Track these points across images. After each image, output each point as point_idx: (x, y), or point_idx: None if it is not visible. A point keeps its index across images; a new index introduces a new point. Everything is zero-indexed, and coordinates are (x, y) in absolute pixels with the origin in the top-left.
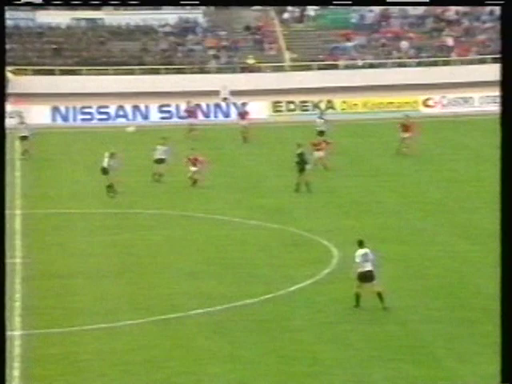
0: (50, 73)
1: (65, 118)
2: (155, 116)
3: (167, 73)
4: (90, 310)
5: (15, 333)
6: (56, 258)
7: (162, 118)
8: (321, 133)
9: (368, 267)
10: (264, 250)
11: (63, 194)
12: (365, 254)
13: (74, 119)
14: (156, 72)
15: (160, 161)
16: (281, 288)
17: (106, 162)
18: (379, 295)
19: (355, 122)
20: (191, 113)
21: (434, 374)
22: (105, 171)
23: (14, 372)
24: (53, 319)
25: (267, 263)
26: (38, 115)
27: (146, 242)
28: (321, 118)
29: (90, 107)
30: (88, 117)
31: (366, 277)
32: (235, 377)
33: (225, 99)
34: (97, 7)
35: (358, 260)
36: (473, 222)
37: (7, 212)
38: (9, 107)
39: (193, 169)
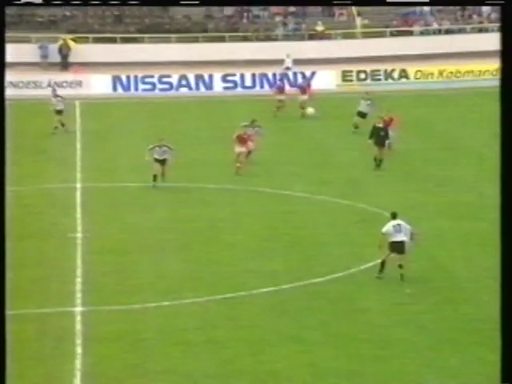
0: (111, 41)
1: (126, 88)
2: (219, 86)
3: (232, 40)
4: (150, 287)
5: (76, 309)
6: (116, 233)
7: (226, 89)
8: (363, 115)
9: (400, 237)
10: (333, 227)
11: (123, 166)
12: (397, 225)
13: (136, 89)
14: (220, 39)
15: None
16: (350, 267)
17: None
18: (400, 266)
19: (430, 92)
20: (280, 88)
21: None
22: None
23: (77, 349)
24: (113, 296)
25: (336, 241)
26: (99, 84)
27: (209, 217)
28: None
29: (151, 76)
30: (149, 86)
31: (397, 247)
32: (302, 358)
33: (287, 68)
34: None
35: (389, 230)
36: None
37: (67, 185)
38: (70, 76)
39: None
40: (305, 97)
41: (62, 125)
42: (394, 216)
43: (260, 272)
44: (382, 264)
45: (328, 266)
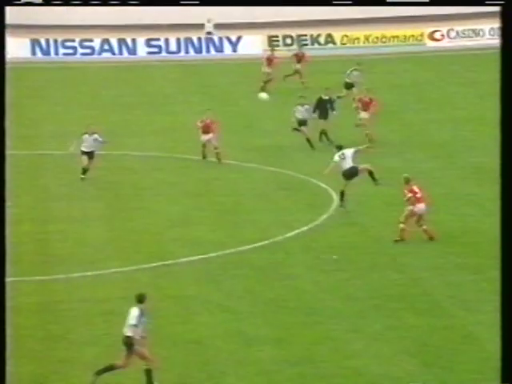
0: (30, 2)
1: (45, 52)
2: (143, 51)
3: (152, 4)
4: (73, 257)
5: None
6: (37, 201)
7: (150, 53)
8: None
9: (349, 164)
10: (260, 195)
11: (45, 133)
12: (341, 154)
13: (56, 53)
14: (145, 2)
15: None
16: (277, 234)
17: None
18: (370, 172)
19: (356, 58)
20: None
21: (437, 322)
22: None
23: None
24: (34, 266)
25: (263, 208)
26: (17, 48)
27: (133, 185)
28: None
29: (72, 40)
30: (70, 51)
31: (350, 174)
32: (229, 327)
33: (209, 33)
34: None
35: (336, 159)
36: (480, 164)
37: None
38: None
39: None
40: (269, 69)
41: None
42: (339, 148)
43: (186, 240)
44: (342, 194)
45: (255, 234)
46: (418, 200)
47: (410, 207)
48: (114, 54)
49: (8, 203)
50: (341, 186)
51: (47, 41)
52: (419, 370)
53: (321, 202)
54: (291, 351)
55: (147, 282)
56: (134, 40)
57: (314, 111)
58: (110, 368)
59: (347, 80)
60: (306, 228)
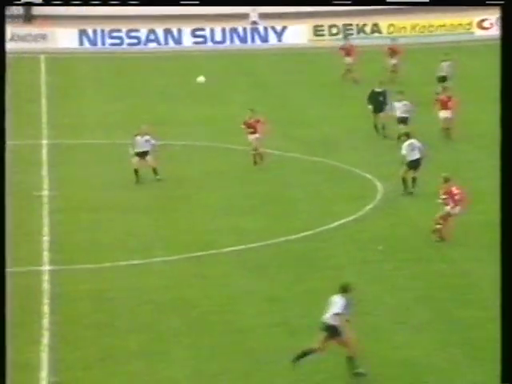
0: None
1: (92, 42)
2: (188, 41)
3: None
4: (120, 246)
5: (43, 268)
6: (83, 190)
7: (196, 43)
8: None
9: (416, 155)
10: (304, 185)
11: (91, 123)
12: (410, 144)
13: (103, 43)
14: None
15: None
16: (321, 224)
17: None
18: (414, 179)
19: (403, 47)
20: (348, 51)
21: (483, 314)
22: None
23: (45, 308)
24: (81, 255)
25: (307, 198)
26: (65, 38)
27: (179, 175)
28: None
29: (119, 31)
30: (117, 41)
31: (416, 164)
32: (274, 316)
33: (254, 23)
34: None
35: (404, 151)
36: None
37: (33, 142)
38: (34, 29)
39: None
40: (350, 59)
41: None
42: (407, 135)
43: (230, 230)
44: (404, 180)
45: (299, 224)
46: (455, 202)
47: (447, 208)
48: (159, 44)
49: (36, 193)
50: (402, 173)
51: (95, 31)
52: (465, 361)
53: (366, 192)
54: None
55: (192, 271)
56: (179, 30)
57: (369, 104)
58: (308, 352)
59: (440, 74)
60: (350, 218)
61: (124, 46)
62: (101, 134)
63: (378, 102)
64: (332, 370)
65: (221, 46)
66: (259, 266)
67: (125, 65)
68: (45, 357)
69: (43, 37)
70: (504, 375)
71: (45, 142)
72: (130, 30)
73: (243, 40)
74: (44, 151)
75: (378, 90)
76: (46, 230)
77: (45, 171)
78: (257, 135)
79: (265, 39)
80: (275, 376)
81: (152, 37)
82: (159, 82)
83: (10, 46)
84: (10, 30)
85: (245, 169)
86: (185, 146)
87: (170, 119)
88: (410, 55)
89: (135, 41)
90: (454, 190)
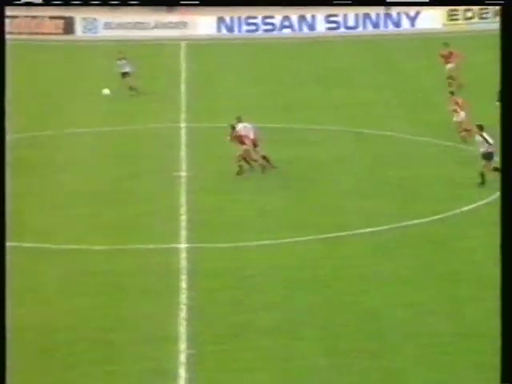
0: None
1: (229, 29)
2: (322, 26)
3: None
4: (253, 226)
5: (181, 245)
6: (219, 172)
7: (329, 29)
8: None
9: (491, 148)
10: (434, 168)
11: (227, 107)
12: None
13: (239, 30)
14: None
15: None
16: (452, 208)
17: None
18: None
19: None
20: (449, 57)
21: None
22: None
23: (182, 284)
24: (217, 233)
25: (437, 182)
26: (204, 26)
27: (310, 158)
28: None
29: (255, 17)
30: (253, 27)
31: (487, 156)
32: (403, 298)
33: (388, 8)
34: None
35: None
36: None
37: (173, 125)
38: (175, 17)
39: None
40: (451, 65)
41: (131, 88)
42: (480, 128)
43: (362, 212)
44: (482, 175)
45: (429, 207)
46: None
47: None
48: (294, 30)
49: (175, 173)
50: (479, 167)
51: (232, 18)
52: None
53: (497, 177)
54: (464, 324)
55: (322, 252)
56: (313, 16)
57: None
58: None
59: None
60: (482, 202)
61: (259, 32)
62: (233, 118)
63: None
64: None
65: (354, 32)
66: (388, 248)
67: (260, 51)
68: (182, 330)
69: (184, 25)
70: (504, 375)
71: (183, 125)
72: (265, 17)
73: (376, 25)
74: (183, 134)
75: None
76: (183, 209)
77: (183, 153)
78: (462, 114)
79: (398, 24)
80: (404, 357)
81: (286, 23)
82: (293, 67)
83: (153, 33)
84: (154, 18)
85: (374, 153)
86: (316, 130)
87: (302, 104)
88: None
89: (270, 27)
90: None
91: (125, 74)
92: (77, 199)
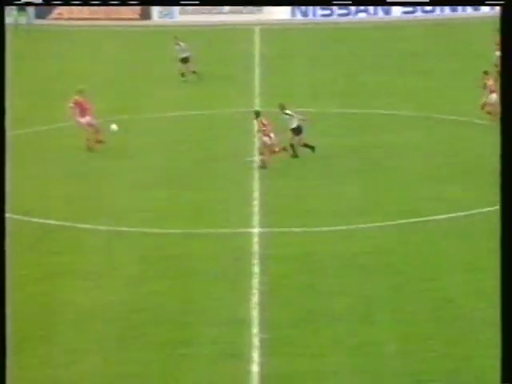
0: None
1: (304, 13)
2: (397, 10)
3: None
4: (325, 212)
5: (253, 230)
6: (292, 157)
7: (405, 13)
8: None
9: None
10: None
11: (302, 93)
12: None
13: (314, 14)
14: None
15: None
16: None
17: None
18: None
19: None
20: None
21: None
22: None
23: (254, 268)
24: (289, 219)
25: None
26: (279, 10)
27: (385, 144)
28: None
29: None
30: (328, 12)
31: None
32: (479, 286)
33: None
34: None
35: None
36: None
37: (246, 110)
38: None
39: None
40: None
41: (183, 75)
42: None
43: (435, 199)
44: None
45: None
46: None
47: None
48: (369, 14)
49: (248, 158)
50: None
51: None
52: None
53: None
54: None
55: (396, 238)
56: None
57: None
58: None
59: None
60: None
61: (334, 16)
62: (310, 102)
63: None
64: None
65: (430, 15)
66: (464, 235)
67: (334, 35)
68: (255, 314)
69: (259, 9)
70: (504, 375)
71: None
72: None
73: (454, 9)
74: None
75: None
76: (256, 194)
77: (256, 138)
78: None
79: (477, 8)
80: (479, 345)
81: (362, 7)
82: (366, 51)
83: (228, 18)
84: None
85: (451, 138)
86: (390, 115)
87: (375, 89)
88: None
89: (345, 11)
90: None
91: (184, 59)
92: (153, 183)
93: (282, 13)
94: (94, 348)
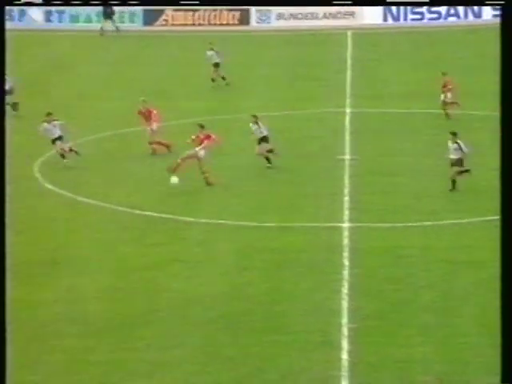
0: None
1: (395, 18)
2: (488, 14)
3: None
4: (413, 208)
5: (344, 224)
6: (382, 156)
7: (495, 16)
8: None
9: (458, 155)
10: None
11: (391, 93)
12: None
13: (405, 19)
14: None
15: None
16: None
17: None
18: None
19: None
20: None
21: None
22: None
23: (345, 261)
24: (378, 214)
25: None
26: (371, 15)
27: (472, 142)
28: None
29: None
30: (418, 16)
31: (456, 163)
32: None
33: None
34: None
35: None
36: None
37: (337, 110)
38: (344, 8)
39: None
40: None
41: (213, 80)
42: (454, 134)
43: None
44: (452, 182)
45: None
46: None
47: None
48: (459, 17)
49: (339, 157)
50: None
51: (398, 8)
52: None
53: None
54: None
55: (483, 234)
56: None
57: None
58: None
59: None
60: None
61: (424, 20)
62: (400, 104)
63: None
64: None
65: None
66: None
67: (424, 39)
68: (345, 305)
69: (351, 14)
70: (504, 375)
71: (348, 110)
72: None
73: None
74: (347, 118)
75: None
76: (346, 190)
77: (347, 137)
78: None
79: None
80: None
81: (452, 11)
82: (456, 54)
83: (322, 23)
84: (323, 8)
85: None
86: (483, 117)
87: (465, 90)
88: None
89: (436, 15)
90: None
91: (216, 65)
92: (250, 179)
93: (373, 17)
94: (194, 332)
